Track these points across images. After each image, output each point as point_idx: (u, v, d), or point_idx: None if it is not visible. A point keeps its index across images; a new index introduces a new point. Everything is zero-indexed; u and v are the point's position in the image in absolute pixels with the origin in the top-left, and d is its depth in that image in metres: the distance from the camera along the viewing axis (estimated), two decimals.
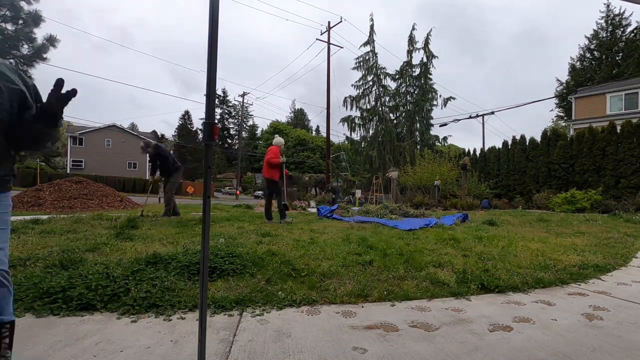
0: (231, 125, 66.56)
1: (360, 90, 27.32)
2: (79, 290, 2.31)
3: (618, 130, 13.79)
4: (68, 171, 39.04)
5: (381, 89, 26.93)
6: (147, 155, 7.53)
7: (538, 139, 16.73)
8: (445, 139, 28.66)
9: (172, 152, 8.11)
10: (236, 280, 2.81)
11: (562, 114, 38.37)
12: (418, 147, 27.40)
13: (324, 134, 28.73)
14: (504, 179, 17.58)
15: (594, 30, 34.72)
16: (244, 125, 63.54)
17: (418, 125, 27.73)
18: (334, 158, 33.64)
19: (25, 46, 11.91)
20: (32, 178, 27.25)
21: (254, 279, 2.85)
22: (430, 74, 27.24)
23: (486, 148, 20.00)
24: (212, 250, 3.25)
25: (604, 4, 33.73)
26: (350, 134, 28.21)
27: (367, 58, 26.62)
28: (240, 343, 1.86)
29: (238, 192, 36.00)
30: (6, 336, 1.34)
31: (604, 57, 33.90)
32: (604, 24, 34.05)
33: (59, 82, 1.23)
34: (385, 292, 2.69)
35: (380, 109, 27.00)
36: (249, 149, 62.00)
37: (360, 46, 26.78)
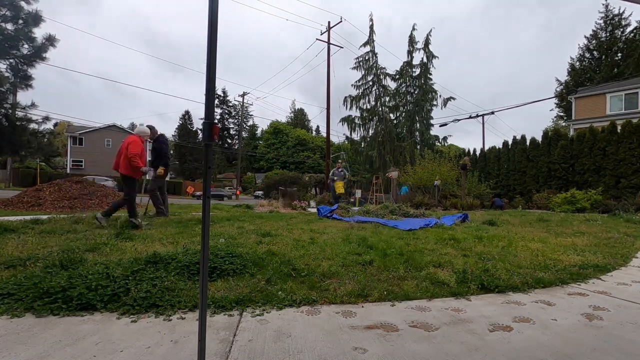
0: (231, 125, 66.60)
1: (360, 90, 27.30)
2: (79, 290, 2.31)
3: (618, 130, 13.79)
4: (68, 171, 39.05)
5: (381, 89, 26.92)
6: (151, 143, 6.84)
7: (538, 138, 16.74)
8: (445, 139, 28.64)
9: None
10: (236, 280, 2.81)
11: (562, 114, 38.38)
12: (418, 147, 27.38)
13: (324, 134, 28.75)
14: (504, 179, 17.57)
15: (593, 31, 34.72)
16: (244, 125, 63.58)
17: (418, 125, 27.71)
18: (334, 158, 33.62)
19: (26, 46, 11.91)
20: (32, 178, 27.26)
21: (254, 279, 2.84)
22: (431, 74, 27.22)
23: (486, 148, 20.00)
24: (212, 250, 3.25)
25: (603, 4, 33.77)
26: (350, 134, 28.20)
27: (367, 58, 26.60)
28: (240, 343, 1.86)
29: (238, 192, 36.00)
30: None
31: (603, 57, 33.90)
32: (603, 24, 34.05)
33: None
34: (385, 292, 2.69)
35: (380, 109, 26.98)
36: (249, 149, 62.02)
37: (360, 46, 26.79)
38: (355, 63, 27.01)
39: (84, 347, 1.76)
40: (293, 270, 3.10)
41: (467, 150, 20.95)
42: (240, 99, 42.18)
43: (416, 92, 27.70)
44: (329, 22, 23.16)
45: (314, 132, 73.86)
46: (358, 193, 17.20)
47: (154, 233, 4.83)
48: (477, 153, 19.83)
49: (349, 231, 5.64)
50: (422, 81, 27.19)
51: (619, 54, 32.92)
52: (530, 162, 16.57)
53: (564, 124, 34.83)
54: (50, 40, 12.11)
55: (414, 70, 27.51)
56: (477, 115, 28.71)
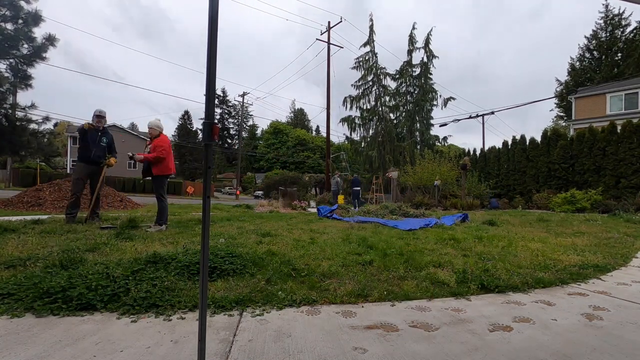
0: (231, 125, 66.57)
1: (360, 90, 27.29)
2: (79, 290, 2.31)
3: (618, 130, 13.79)
4: (68, 171, 39.03)
5: (381, 89, 26.91)
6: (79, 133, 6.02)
7: (538, 138, 16.75)
8: (445, 139, 28.64)
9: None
10: (236, 280, 2.81)
11: (562, 114, 38.37)
12: (418, 147, 27.38)
13: (324, 134, 28.73)
14: (504, 178, 17.58)
15: (593, 31, 34.69)
16: (244, 125, 63.56)
17: (418, 125, 27.71)
18: (334, 158, 33.60)
19: (25, 46, 11.89)
20: (32, 178, 27.24)
21: (254, 279, 2.84)
22: (431, 73, 27.23)
23: (486, 148, 20.01)
24: (212, 250, 3.25)
25: (603, 4, 33.75)
26: (350, 134, 28.20)
27: (367, 58, 26.59)
28: (240, 343, 1.86)
29: (238, 192, 35.98)
30: None
31: (603, 57, 33.88)
32: (603, 24, 34.03)
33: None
34: (385, 292, 2.69)
35: (380, 109, 26.97)
36: (248, 149, 62.00)
37: (360, 46, 26.78)
38: (355, 63, 27.01)
39: (84, 347, 1.76)
40: (293, 270, 3.10)
41: (467, 150, 20.97)
42: (240, 99, 42.20)
43: (416, 92, 27.70)
44: (329, 22, 23.17)
45: (314, 132, 73.86)
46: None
47: (154, 233, 4.83)
48: (477, 153, 19.84)
49: (349, 231, 5.64)
50: (422, 81, 27.18)
51: (619, 54, 32.90)
52: (530, 162, 16.57)
53: (564, 124, 34.83)
54: (50, 40, 12.10)
55: (414, 69, 27.52)
56: (477, 115, 28.70)
